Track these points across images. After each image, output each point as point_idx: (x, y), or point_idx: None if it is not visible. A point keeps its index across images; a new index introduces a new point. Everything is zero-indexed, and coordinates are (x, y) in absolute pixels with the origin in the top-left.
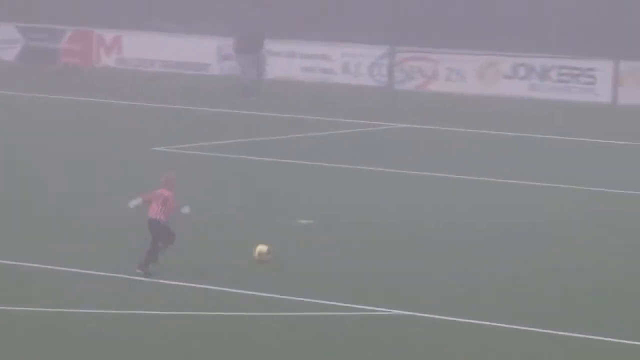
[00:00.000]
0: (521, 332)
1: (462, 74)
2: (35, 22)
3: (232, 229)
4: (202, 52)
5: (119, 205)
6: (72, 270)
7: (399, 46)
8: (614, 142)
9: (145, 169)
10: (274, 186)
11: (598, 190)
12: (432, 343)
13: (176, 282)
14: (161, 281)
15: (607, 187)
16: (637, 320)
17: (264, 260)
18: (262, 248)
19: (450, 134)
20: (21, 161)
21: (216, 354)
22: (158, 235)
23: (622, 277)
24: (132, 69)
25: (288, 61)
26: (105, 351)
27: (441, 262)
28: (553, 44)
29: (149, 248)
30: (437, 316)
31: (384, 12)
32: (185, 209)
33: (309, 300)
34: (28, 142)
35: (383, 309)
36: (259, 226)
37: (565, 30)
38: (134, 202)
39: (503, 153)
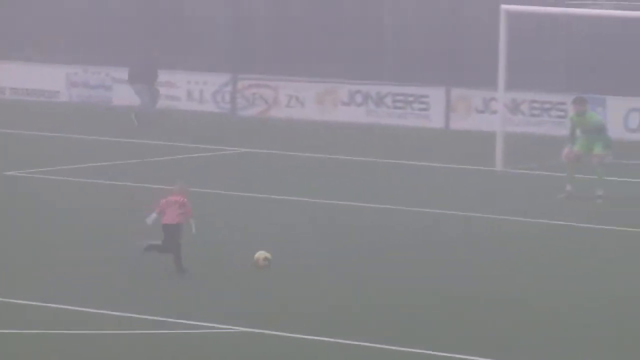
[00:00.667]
0: (354, 347)
1: (302, 100)
2: None
3: (61, 245)
4: (52, 79)
5: None
6: None
7: (241, 74)
8: (446, 165)
9: None
10: (112, 207)
11: (433, 211)
12: None
13: None
14: None
15: (432, 208)
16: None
17: (261, 267)
18: (260, 255)
19: (290, 158)
20: None
21: None
22: (173, 240)
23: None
24: None
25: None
26: None
27: (279, 280)
28: (388, 72)
29: (166, 249)
30: (278, 333)
31: (226, 41)
32: (193, 227)
33: (147, 317)
34: None
35: (225, 327)
36: (95, 243)
37: (400, 59)
38: (151, 218)
39: (339, 176)
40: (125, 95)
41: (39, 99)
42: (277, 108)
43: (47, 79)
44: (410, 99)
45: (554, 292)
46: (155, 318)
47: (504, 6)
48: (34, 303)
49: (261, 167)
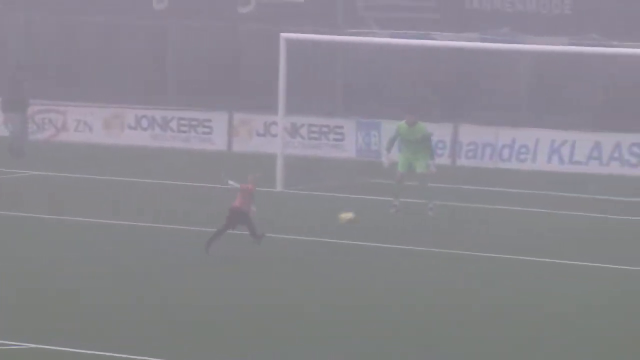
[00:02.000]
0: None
1: (90, 125)
2: None
3: None
4: None
5: None
6: None
7: (32, 99)
8: (228, 186)
9: None
10: None
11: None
12: None
13: None
14: None
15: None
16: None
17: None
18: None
19: (74, 180)
20: None
21: None
22: (235, 224)
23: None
24: None
25: None
26: None
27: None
28: (173, 98)
29: (218, 229)
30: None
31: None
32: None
33: None
34: None
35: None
36: None
37: (184, 85)
38: (233, 183)
39: (124, 197)
40: None
41: None
42: (66, 132)
43: None
44: (194, 123)
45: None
46: None
47: (283, 35)
48: None
49: (46, 189)
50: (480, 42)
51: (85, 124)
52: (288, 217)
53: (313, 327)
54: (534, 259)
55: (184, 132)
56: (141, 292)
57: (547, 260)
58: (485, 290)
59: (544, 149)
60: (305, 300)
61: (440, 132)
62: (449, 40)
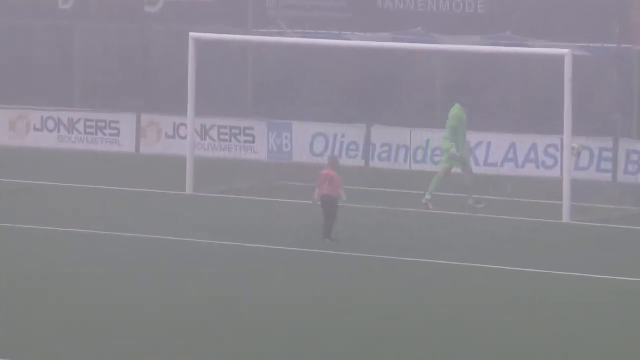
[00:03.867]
0: None
1: None
2: None
3: None
4: None
5: None
6: None
7: None
8: (136, 189)
9: None
10: None
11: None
12: None
13: None
14: None
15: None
16: None
17: None
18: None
19: None
20: None
21: None
22: (330, 210)
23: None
24: None
25: None
26: None
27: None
28: (79, 99)
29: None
30: None
31: None
32: (343, 196)
33: None
34: None
35: None
36: None
37: (91, 86)
38: (315, 194)
39: (27, 200)
40: None
41: None
42: None
43: None
44: (101, 124)
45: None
46: None
47: (192, 34)
48: None
49: None
50: (393, 41)
51: None
52: (198, 220)
53: (216, 331)
54: (451, 262)
55: (91, 133)
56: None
57: (462, 263)
58: (391, 293)
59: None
60: (210, 304)
61: (352, 133)
62: (360, 40)
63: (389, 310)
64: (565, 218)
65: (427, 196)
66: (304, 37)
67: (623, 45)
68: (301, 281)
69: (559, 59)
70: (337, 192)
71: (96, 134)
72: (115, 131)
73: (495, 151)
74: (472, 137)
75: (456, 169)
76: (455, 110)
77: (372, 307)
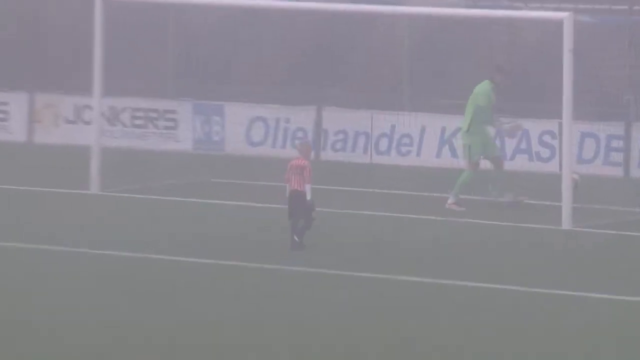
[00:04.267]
0: None
1: None
2: None
3: None
4: None
5: None
6: None
7: None
8: (29, 187)
9: None
10: None
11: None
12: None
13: None
14: None
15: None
16: None
17: None
18: None
19: None
20: None
21: None
22: (298, 209)
23: None
24: None
25: None
26: None
27: None
28: None
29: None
30: None
31: None
32: (307, 194)
33: None
34: None
35: None
36: None
37: None
38: (287, 192)
39: None
40: None
41: None
42: None
43: None
44: None
45: None
46: None
47: None
48: None
49: None
50: (351, 3)
51: None
52: (106, 226)
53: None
54: (411, 278)
55: None
56: None
57: (420, 279)
58: (337, 316)
59: (432, 139)
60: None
61: (299, 117)
62: (310, 1)
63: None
64: (566, 224)
65: (451, 199)
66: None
67: (636, 7)
68: (241, 301)
69: (557, 25)
70: (302, 186)
71: None
72: (3, 115)
73: None
74: (445, 122)
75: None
76: (485, 86)
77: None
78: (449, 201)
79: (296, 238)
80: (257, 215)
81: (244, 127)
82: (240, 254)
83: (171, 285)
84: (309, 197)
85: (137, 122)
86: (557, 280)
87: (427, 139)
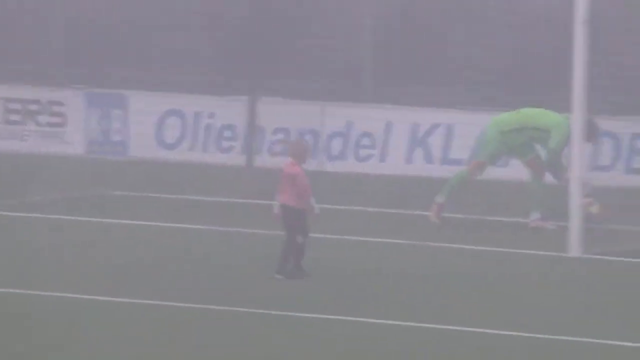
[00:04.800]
0: None
1: None
2: None
3: None
4: None
5: None
6: None
7: None
8: None
9: None
10: None
11: None
12: None
13: None
14: None
15: None
16: None
17: None
18: None
19: None
20: None
21: None
22: (291, 226)
23: None
24: None
25: None
26: None
27: None
28: None
29: (284, 246)
30: None
31: None
32: (315, 206)
33: None
34: None
35: None
36: None
37: None
38: (275, 206)
39: None
40: None
41: None
42: None
43: None
44: None
45: None
46: None
47: None
48: None
49: None
50: None
51: None
52: None
53: None
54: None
55: None
56: None
57: (404, 323)
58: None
59: (400, 139)
60: None
61: (227, 111)
62: None
63: None
64: (574, 250)
65: (439, 199)
66: None
67: None
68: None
69: None
70: (302, 201)
71: None
72: None
73: (460, 140)
74: (423, 118)
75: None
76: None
77: None
78: (531, 218)
79: (278, 276)
80: (171, 238)
81: (153, 123)
82: (148, 288)
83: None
84: (317, 209)
85: (13, 117)
86: (566, 322)
87: (394, 139)
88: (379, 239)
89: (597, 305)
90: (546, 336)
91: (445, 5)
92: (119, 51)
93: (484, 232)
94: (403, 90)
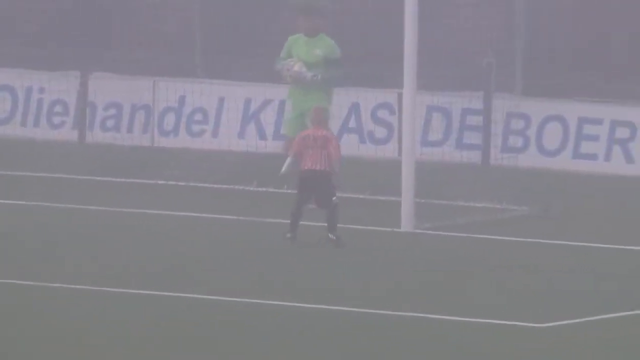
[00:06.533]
0: None
1: None
2: None
3: None
4: None
5: None
6: None
7: None
8: None
9: None
10: None
11: None
12: None
13: None
14: None
15: None
16: None
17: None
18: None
19: None
20: None
21: None
22: (313, 191)
23: None
24: None
25: None
26: None
27: None
28: None
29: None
30: None
31: None
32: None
33: None
34: None
35: None
36: None
37: None
38: (285, 166)
39: None
40: None
41: None
42: None
43: None
44: None
45: None
46: None
47: None
48: None
49: None
50: None
51: None
52: None
53: None
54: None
55: None
56: None
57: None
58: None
59: (233, 115)
60: None
61: (57, 86)
62: None
63: None
64: (406, 225)
65: None
66: None
67: None
68: None
69: None
70: (330, 165)
71: None
72: None
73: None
74: (250, 92)
75: None
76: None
77: None
78: None
79: (332, 236)
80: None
81: None
82: None
83: None
84: (340, 176)
85: None
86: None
87: (227, 115)
88: (215, 215)
89: (420, 280)
90: (362, 310)
91: None
92: None
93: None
94: (235, 66)
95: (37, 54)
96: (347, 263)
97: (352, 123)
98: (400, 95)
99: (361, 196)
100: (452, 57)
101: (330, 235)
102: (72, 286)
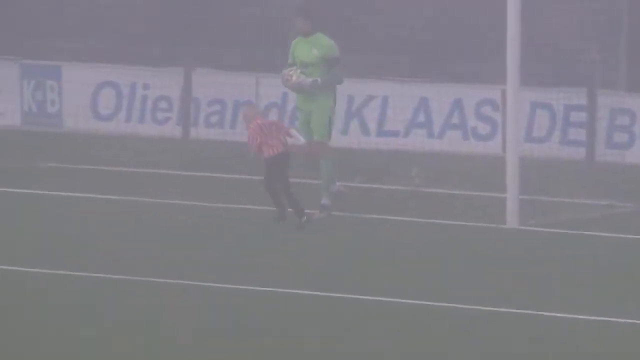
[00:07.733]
0: None
1: None
2: None
3: None
4: None
5: None
6: None
7: None
8: None
9: None
10: None
11: None
12: None
13: None
14: None
15: None
16: None
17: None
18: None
19: None
20: None
21: None
22: (284, 170)
23: None
24: None
25: None
26: None
27: None
28: None
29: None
30: None
31: None
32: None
33: None
34: None
35: None
36: None
37: None
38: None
39: None
40: None
41: None
42: None
43: None
44: None
45: None
46: None
47: None
48: None
49: None
50: None
51: None
52: None
53: None
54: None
55: None
56: None
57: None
58: None
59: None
60: None
61: (161, 82)
62: None
63: None
64: (511, 222)
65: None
66: None
67: None
68: None
69: None
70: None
71: None
72: None
73: (396, 112)
74: (354, 90)
75: None
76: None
77: None
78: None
79: (303, 219)
80: (107, 210)
81: (88, 95)
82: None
83: None
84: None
85: None
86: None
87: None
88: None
89: (527, 276)
90: (472, 307)
91: None
92: (53, 22)
93: (420, 203)
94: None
95: (142, 51)
96: (453, 259)
97: (455, 119)
98: (503, 92)
99: (465, 192)
100: (555, 53)
101: (301, 220)
102: (183, 282)
